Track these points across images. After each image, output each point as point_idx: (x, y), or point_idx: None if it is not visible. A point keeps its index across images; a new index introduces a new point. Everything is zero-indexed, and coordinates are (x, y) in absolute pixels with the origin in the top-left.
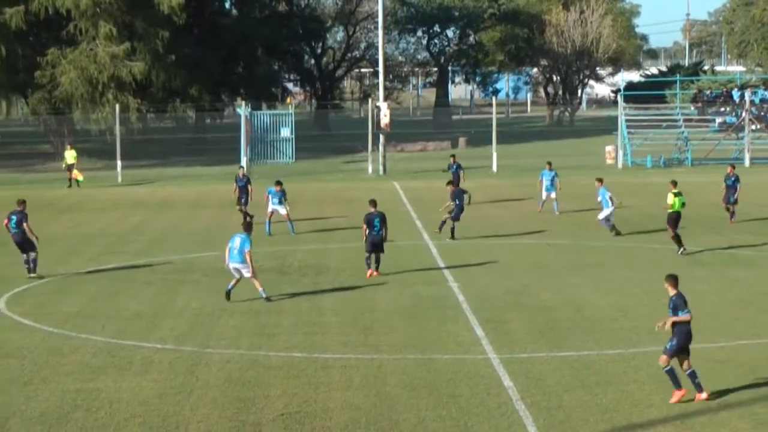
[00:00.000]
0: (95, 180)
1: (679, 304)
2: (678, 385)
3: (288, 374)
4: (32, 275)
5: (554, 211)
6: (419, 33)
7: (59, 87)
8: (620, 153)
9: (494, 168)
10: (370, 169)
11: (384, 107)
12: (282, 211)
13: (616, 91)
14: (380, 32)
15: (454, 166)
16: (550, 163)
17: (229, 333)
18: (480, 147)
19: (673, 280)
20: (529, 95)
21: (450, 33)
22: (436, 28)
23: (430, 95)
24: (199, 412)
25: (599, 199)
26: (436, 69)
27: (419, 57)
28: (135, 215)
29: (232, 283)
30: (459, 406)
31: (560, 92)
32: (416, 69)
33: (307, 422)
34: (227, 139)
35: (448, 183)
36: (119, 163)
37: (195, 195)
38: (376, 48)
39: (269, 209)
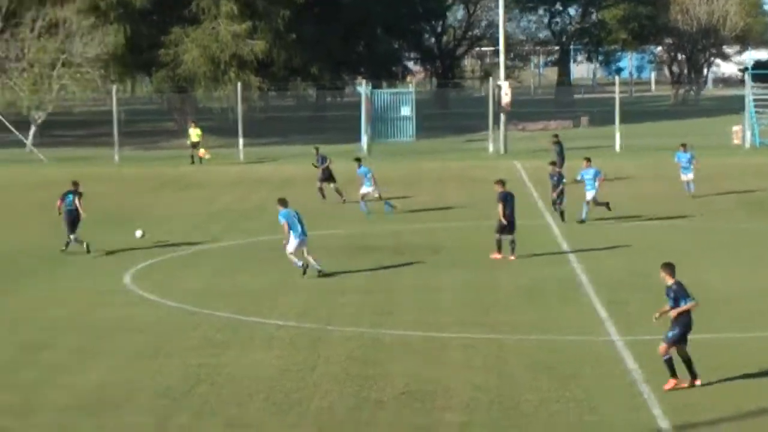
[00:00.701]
0: (218, 158)
1: (679, 292)
2: (673, 374)
3: (408, 353)
4: (88, 252)
5: (688, 191)
6: (540, 11)
7: (182, 65)
8: (747, 133)
9: (617, 147)
10: (490, 148)
11: (505, 86)
12: (375, 194)
13: (743, 70)
14: (501, 10)
15: (558, 147)
16: (684, 145)
17: (350, 311)
18: (603, 126)
19: (670, 268)
20: (652, 74)
21: (572, 11)
22: (558, 6)
23: (551, 74)
24: (321, 388)
25: (578, 178)
26: (557, 47)
27: (540, 35)
28: (257, 192)
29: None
30: (581, 387)
31: (685, 71)
32: (537, 48)
33: (428, 401)
34: (347, 117)
35: (552, 163)
36: (241, 140)
37: (315, 173)
38: (497, 26)
39: (362, 191)
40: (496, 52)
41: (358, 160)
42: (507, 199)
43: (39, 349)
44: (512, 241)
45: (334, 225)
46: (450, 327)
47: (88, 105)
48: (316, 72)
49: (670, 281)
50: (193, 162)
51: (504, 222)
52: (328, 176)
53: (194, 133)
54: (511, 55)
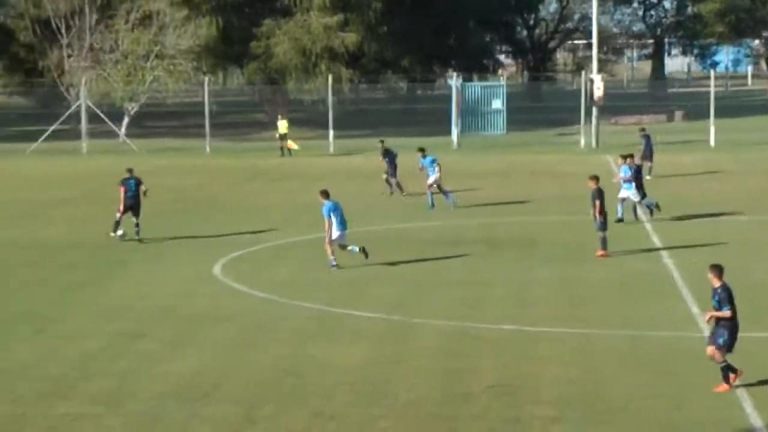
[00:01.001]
0: (308, 149)
1: (723, 298)
2: (733, 370)
3: (497, 346)
4: (136, 238)
5: None
6: (635, 4)
7: (274, 57)
8: None
9: (712, 142)
10: (582, 142)
11: (597, 79)
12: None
13: None
14: (594, 3)
15: (645, 139)
16: None
17: (439, 303)
18: (697, 121)
19: (718, 270)
20: (749, 68)
21: (667, 4)
22: None
23: (645, 67)
24: (408, 381)
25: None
26: (651, 41)
27: (634, 29)
28: (347, 184)
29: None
30: (673, 384)
31: None
32: (631, 41)
33: (518, 395)
34: (438, 110)
35: (629, 156)
36: (331, 132)
37: (405, 166)
38: (590, 19)
39: (430, 180)
40: (589, 46)
41: (422, 150)
42: (603, 196)
43: (132, 338)
44: (604, 238)
45: (427, 218)
46: (541, 321)
47: (180, 96)
48: (407, 65)
49: (717, 283)
50: (282, 154)
51: (602, 219)
52: (395, 169)
53: (282, 125)
54: (605, 48)
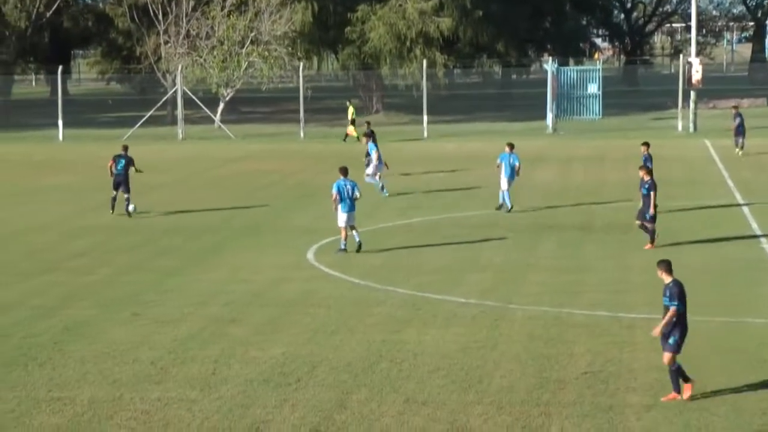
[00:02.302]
0: (401, 134)
1: (674, 293)
2: (686, 379)
3: (592, 332)
4: (128, 212)
5: None
6: None
7: (368, 43)
8: None
9: None
10: (679, 127)
11: (696, 63)
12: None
13: None
14: None
15: (739, 118)
16: None
17: (533, 289)
18: None
19: (666, 266)
20: None
21: None
22: None
23: (745, 50)
24: (502, 367)
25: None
26: (752, 23)
27: (734, 11)
28: (441, 170)
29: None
30: None
31: None
32: (731, 23)
33: (611, 381)
34: (533, 95)
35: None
36: (425, 117)
37: (497, 151)
38: (689, 2)
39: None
40: (688, 29)
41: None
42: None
43: (226, 322)
44: (654, 231)
45: (522, 204)
46: (637, 307)
47: (274, 82)
48: (502, 49)
49: (668, 279)
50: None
51: (654, 212)
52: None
53: (350, 111)
54: (703, 31)
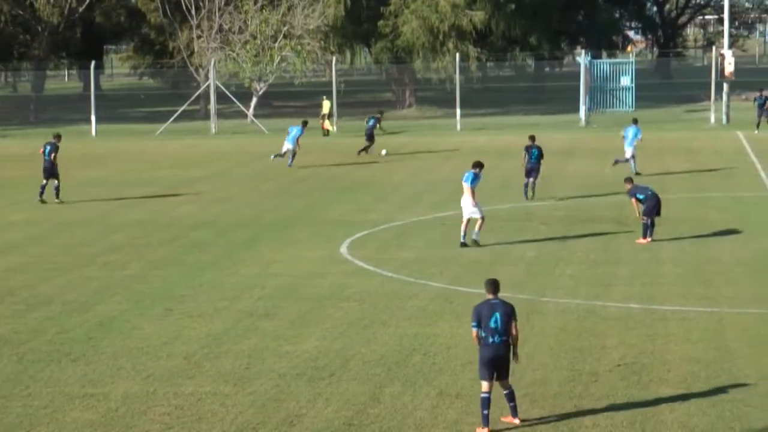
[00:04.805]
0: (435, 128)
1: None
2: (485, 423)
3: (625, 325)
4: (56, 200)
5: None
6: None
7: (401, 36)
8: None
9: None
10: (712, 119)
11: (728, 55)
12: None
13: None
14: None
15: (762, 99)
16: None
17: (566, 282)
18: None
19: (493, 286)
20: None
21: None
22: None
23: None
24: (535, 360)
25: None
26: None
27: (767, 2)
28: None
29: None
30: None
31: None
32: (764, 15)
33: (644, 374)
34: (566, 87)
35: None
36: (458, 111)
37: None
38: None
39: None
40: (720, 20)
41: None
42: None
43: (259, 317)
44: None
45: (553, 197)
46: (670, 300)
47: (307, 76)
48: (535, 42)
49: (489, 297)
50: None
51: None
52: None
53: (325, 105)
54: (736, 23)
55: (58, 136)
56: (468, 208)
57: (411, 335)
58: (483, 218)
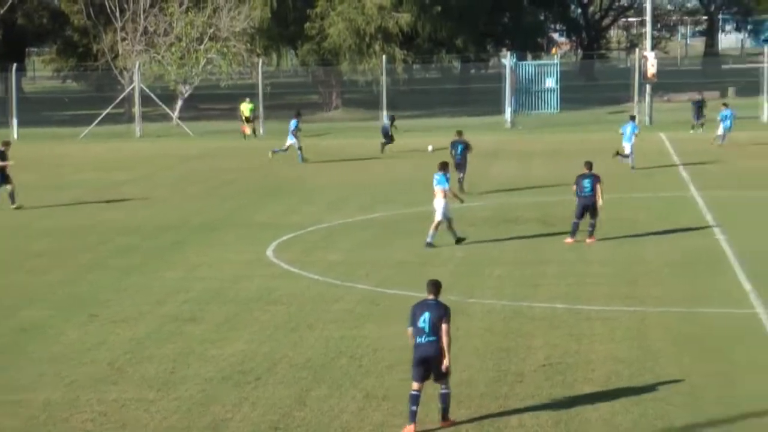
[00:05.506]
0: (361, 131)
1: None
2: (411, 419)
3: (550, 325)
4: (12, 206)
5: None
6: None
7: (327, 39)
8: None
9: (765, 118)
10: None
11: (651, 57)
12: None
13: None
14: None
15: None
16: None
17: (493, 283)
18: (750, 97)
19: (434, 287)
20: None
21: None
22: None
23: (698, 44)
24: (461, 361)
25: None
26: (705, 18)
27: (688, 5)
28: (401, 166)
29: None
30: (726, 361)
31: None
32: (685, 18)
33: (569, 373)
34: (492, 89)
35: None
36: (385, 113)
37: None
38: None
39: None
40: (643, 23)
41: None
42: (582, 182)
43: (185, 321)
44: (593, 225)
45: (478, 197)
46: (595, 299)
47: (233, 78)
48: (461, 44)
49: (429, 297)
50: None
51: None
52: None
53: (247, 108)
54: (658, 25)
55: (7, 143)
56: (440, 210)
57: (337, 338)
58: (441, 221)
